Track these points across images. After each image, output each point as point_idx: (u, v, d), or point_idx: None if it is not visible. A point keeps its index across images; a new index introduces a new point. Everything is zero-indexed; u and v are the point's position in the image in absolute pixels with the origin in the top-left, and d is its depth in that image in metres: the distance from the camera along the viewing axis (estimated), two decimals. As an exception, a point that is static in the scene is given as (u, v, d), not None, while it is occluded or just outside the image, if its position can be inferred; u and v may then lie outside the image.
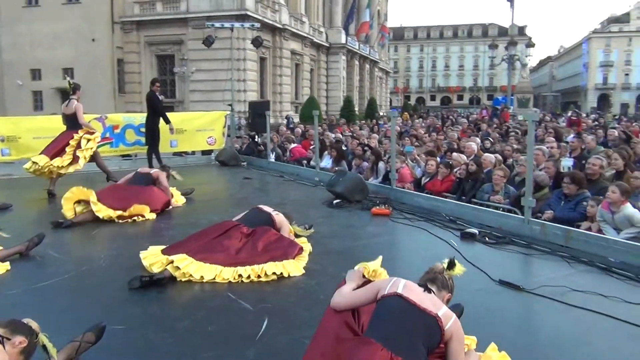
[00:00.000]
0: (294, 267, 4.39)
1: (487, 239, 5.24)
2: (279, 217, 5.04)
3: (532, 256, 4.76)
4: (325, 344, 2.46)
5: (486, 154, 8.93)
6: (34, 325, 2.48)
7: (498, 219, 5.74)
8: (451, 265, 2.68)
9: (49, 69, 31.64)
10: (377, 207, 6.64)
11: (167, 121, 10.37)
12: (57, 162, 7.74)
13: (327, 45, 43.46)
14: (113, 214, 6.19)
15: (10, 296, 3.86)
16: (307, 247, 4.89)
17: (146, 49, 32.05)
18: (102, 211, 6.14)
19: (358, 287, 2.68)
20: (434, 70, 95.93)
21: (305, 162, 11.56)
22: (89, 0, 31.04)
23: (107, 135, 10.91)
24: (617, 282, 4.01)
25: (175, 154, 12.40)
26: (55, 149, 7.87)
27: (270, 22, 32.31)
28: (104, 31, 31.25)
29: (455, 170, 8.16)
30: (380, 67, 59.60)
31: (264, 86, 33.83)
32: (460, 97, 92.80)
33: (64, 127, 8.27)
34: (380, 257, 2.94)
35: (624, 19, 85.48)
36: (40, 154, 7.88)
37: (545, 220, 5.60)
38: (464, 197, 7.34)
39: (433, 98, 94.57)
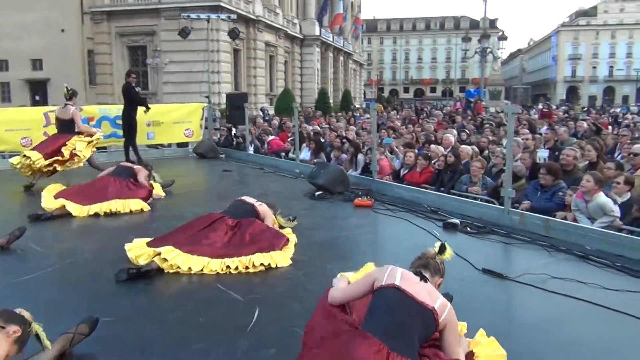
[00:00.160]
0: (281, 258, 4.43)
1: (468, 229, 5.36)
2: (262, 208, 5.07)
3: (512, 245, 4.89)
4: (322, 338, 2.47)
5: (463, 146, 9.09)
6: (27, 314, 2.49)
7: (478, 210, 5.87)
8: (442, 249, 2.75)
9: (17, 60, 30.80)
10: (359, 198, 6.70)
11: (147, 108, 10.33)
12: (51, 161, 7.69)
13: (301, 37, 43.34)
14: (89, 211, 6.13)
15: (-7, 290, 3.81)
16: (293, 238, 4.93)
17: (117, 40, 31.48)
18: (77, 211, 6.09)
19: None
20: (407, 63, 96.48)
21: (283, 154, 11.56)
22: (58, -10, 30.31)
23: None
24: (594, 269, 4.16)
25: (150, 146, 12.25)
26: (50, 148, 7.80)
27: (244, 13, 32.04)
28: (73, 22, 30.54)
29: (433, 161, 8.29)
30: (354, 59, 59.72)
31: (238, 78, 33.60)
32: (433, 90, 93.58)
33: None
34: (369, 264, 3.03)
35: (592, 12, 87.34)
36: (32, 149, 7.86)
37: (522, 210, 5.74)
38: (442, 189, 7.46)
39: (406, 90, 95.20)
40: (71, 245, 5.02)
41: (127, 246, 4.52)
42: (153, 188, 7.07)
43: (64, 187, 6.82)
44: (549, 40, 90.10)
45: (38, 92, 30.91)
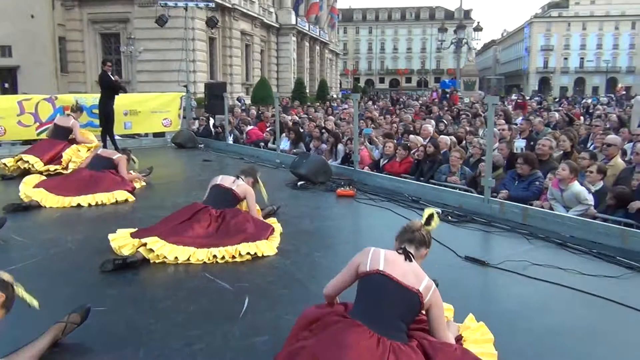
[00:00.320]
0: (267, 247, 4.47)
1: (449, 217, 5.48)
2: (240, 189, 4.98)
3: (493, 233, 5.03)
4: (311, 329, 2.51)
5: (442, 136, 9.23)
6: (7, 277, 2.44)
7: (459, 199, 6.00)
8: (429, 220, 2.73)
9: (-16, 46, 29.87)
10: (342, 188, 6.78)
11: (125, 90, 10.41)
12: (52, 167, 7.90)
13: (277, 26, 43.00)
14: (71, 202, 6.09)
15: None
16: (278, 227, 4.97)
17: (89, 27, 30.70)
18: (56, 202, 6.05)
19: None
20: (382, 53, 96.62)
21: (262, 144, 11.55)
22: (27, -26, 29.43)
23: (58, 116, 10.53)
24: (572, 255, 4.32)
25: (126, 136, 12.08)
26: (49, 155, 8.04)
27: (220, 1, 31.63)
28: (43, 7, 29.71)
29: (413, 152, 8.40)
30: (330, 49, 59.58)
31: (214, 67, 33.21)
32: (408, 80, 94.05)
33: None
34: None
35: (563, 4, 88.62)
36: (26, 153, 8.03)
37: (500, 199, 5.89)
38: (422, 178, 7.58)
39: (382, 80, 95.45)
40: (54, 235, 4.98)
41: (110, 236, 4.51)
42: (133, 181, 7.04)
43: (44, 178, 6.75)
44: (522, 32, 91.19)
45: (7, 79, 30.06)
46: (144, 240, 4.25)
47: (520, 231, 4.97)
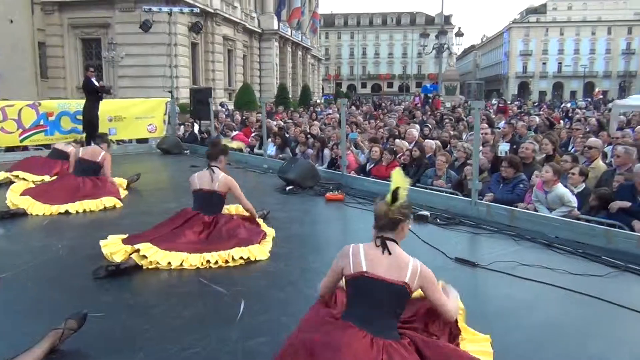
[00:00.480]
0: (259, 252, 4.49)
1: (438, 220, 5.57)
2: (221, 184, 4.90)
3: (481, 235, 5.12)
4: (310, 329, 2.54)
5: (427, 140, 9.35)
6: None
7: (446, 202, 6.09)
8: (395, 197, 2.55)
9: (-39, 50, 29.39)
10: (331, 192, 6.83)
11: (106, 92, 10.35)
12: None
13: (260, 31, 43.02)
14: (59, 210, 6.03)
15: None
16: (271, 231, 4.99)
17: (70, 32, 30.37)
18: (43, 210, 5.98)
19: None
20: (364, 58, 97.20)
21: (248, 149, 11.56)
22: (5, -23, 29.03)
23: (41, 122, 10.46)
24: (559, 255, 4.42)
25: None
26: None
27: (202, 6, 31.53)
28: (22, 12, 29.26)
29: (398, 156, 8.50)
30: (312, 54, 59.74)
31: (196, 72, 33.09)
32: (390, 85, 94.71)
33: None
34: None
35: (541, 9, 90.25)
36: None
37: (486, 202, 5.99)
38: (408, 182, 7.66)
39: (364, 85, 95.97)
40: (43, 242, 4.95)
41: (102, 242, 4.48)
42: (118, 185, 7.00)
43: (32, 186, 6.69)
44: (501, 37, 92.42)
45: (-15, 85, 29.65)
46: (136, 247, 4.24)
47: (508, 232, 5.06)
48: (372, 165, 8.59)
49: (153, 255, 4.21)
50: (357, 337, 2.35)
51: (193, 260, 4.26)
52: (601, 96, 52.22)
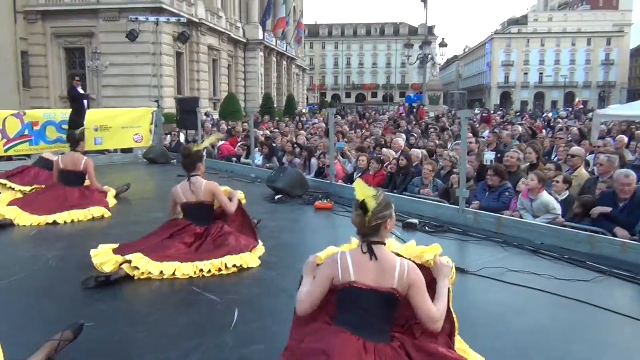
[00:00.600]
0: (251, 259, 4.52)
1: (426, 227, 5.65)
2: (206, 193, 4.86)
3: (469, 242, 5.20)
4: (301, 339, 2.57)
5: (413, 149, 9.47)
6: None
7: (434, 209, 6.17)
8: (364, 209, 2.48)
9: (-58, 59, 28.99)
10: (320, 201, 6.88)
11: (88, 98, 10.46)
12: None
13: (245, 41, 43.15)
14: (47, 220, 6.00)
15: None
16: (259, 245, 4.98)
17: (53, 41, 30.19)
18: (30, 221, 5.95)
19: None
20: (348, 68, 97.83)
21: (234, 159, 11.58)
22: (-13, -14, 28.78)
23: (26, 132, 10.37)
24: (546, 261, 4.52)
25: (96, 152, 11.87)
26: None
27: (187, 16, 31.56)
28: (4, 21, 29.00)
29: (385, 165, 8.59)
30: (297, 64, 60.01)
31: (181, 82, 33.05)
32: (374, 94, 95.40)
33: None
34: (331, 247, 2.99)
35: (522, 20, 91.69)
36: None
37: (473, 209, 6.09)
38: (395, 191, 7.76)
39: (348, 95, 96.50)
40: (32, 253, 4.92)
41: (92, 252, 4.45)
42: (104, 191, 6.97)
43: (19, 196, 6.64)
44: (483, 47, 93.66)
45: (-33, 94, 29.26)
46: (127, 257, 4.22)
47: (495, 239, 5.16)
48: (359, 174, 8.66)
49: (144, 266, 4.20)
50: (350, 341, 2.39)
51: (185, 269, 4.26)
52: (581, 106, 53.15)
